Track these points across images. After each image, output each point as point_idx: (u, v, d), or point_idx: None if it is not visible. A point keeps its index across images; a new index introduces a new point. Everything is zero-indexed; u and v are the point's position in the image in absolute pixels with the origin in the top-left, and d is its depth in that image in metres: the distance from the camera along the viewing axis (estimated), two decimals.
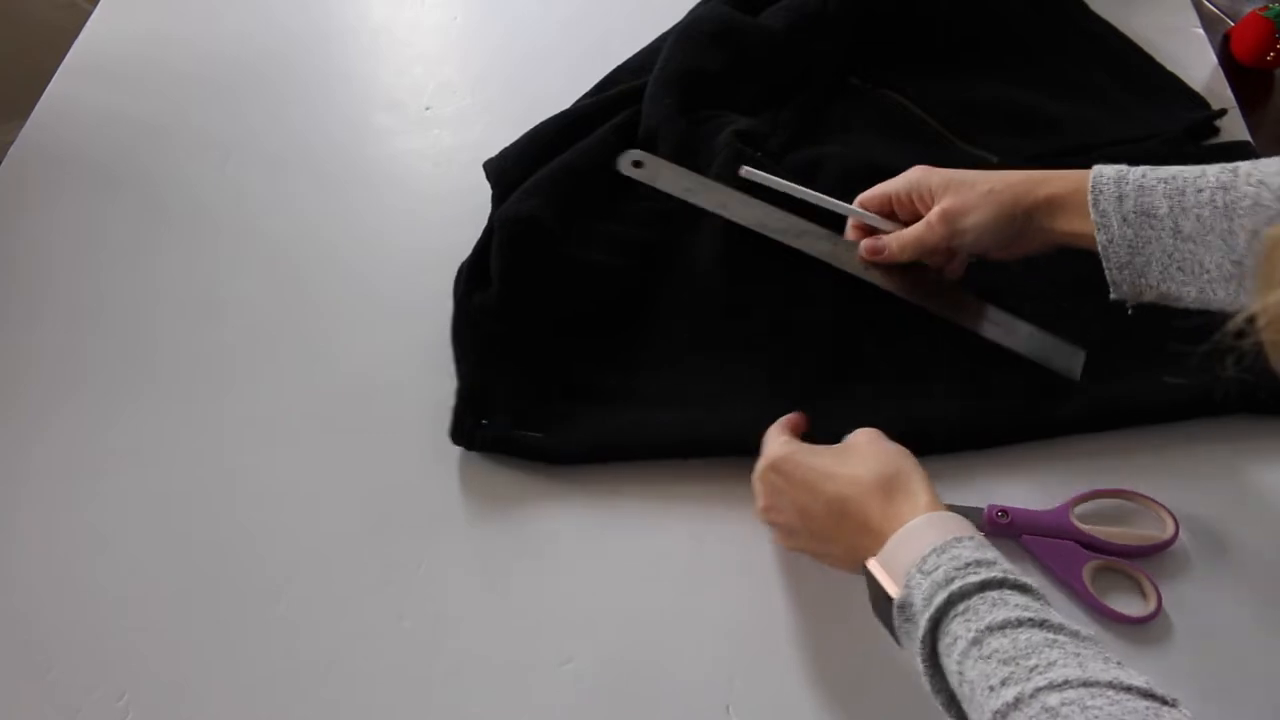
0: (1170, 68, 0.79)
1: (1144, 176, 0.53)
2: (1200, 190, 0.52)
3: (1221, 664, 0.53)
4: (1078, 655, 0.41)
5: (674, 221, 0.70)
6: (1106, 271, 0.54)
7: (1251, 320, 0.33)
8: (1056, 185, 0.56)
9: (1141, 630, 0.54)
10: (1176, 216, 0.52)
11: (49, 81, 0.85)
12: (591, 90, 0.80)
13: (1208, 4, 0.89)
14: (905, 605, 0.45)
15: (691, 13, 0.82)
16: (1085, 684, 0.39)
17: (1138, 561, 0.56)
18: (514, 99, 0.81)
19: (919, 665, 0.44)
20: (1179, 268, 0.52)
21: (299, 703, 0.54)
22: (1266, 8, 0.83)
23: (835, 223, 0.67)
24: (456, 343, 0.66)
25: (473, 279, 0.68)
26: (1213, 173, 0.52)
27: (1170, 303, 0.54)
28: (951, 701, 0.44)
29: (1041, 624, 0.42)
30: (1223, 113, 0.75)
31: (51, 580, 0.59)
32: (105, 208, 0.76)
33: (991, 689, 0.40)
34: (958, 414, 0.62)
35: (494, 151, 0.74)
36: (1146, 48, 0.80)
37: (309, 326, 0.69)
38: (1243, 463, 0.60)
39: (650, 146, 0.73)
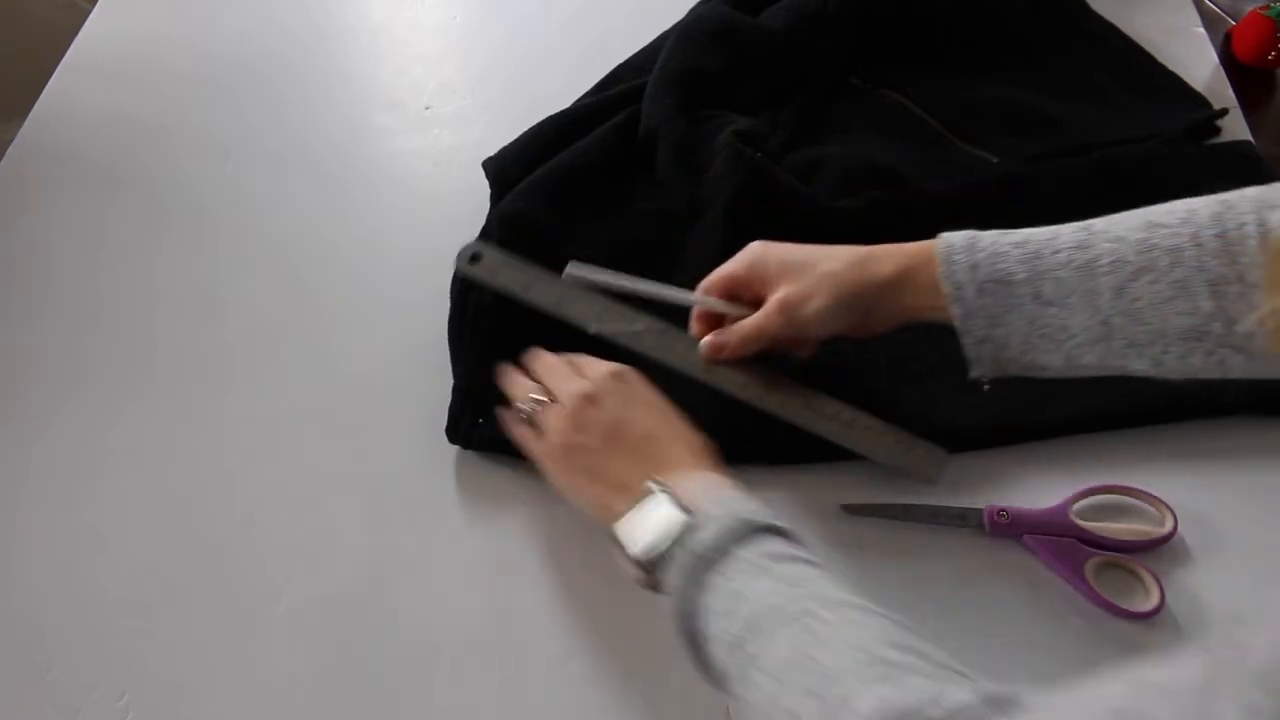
0: (1171, 67, 0.79)
1: (994, 243, 0.51)
2: (1056, 252, 0.49)
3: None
4: (853, 588, 0.43)
5: (672, 221, 0.70)
6: (964, 348, 0.52)
7: (1262, 321, 0.33)
8: (901, 259, 0.54)
9: (1147, 625, 0.54)
10: (1035, 282, 0.50)
11: (48, 81, 0.85)
12: (592, 90, 0.80)
13: (1209, 3, 0.89)
14: (692, 525, 0.46)
15: (692, 12, 0.82)
16: (860, 607, 0.41)
17: (1139, 556, 0.56)
18: (514, 99, 0.81)
19: (675, 579, 0.45)
20: (1042, 335, 0.50)
21: (299, 703, 0.54)
22: (1268, 7, 0.83)
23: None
24: (453, 342, 0.66)
25: (467, 283, 0.68)
26: (1067, 233, 0.50)
27: (1035, 374, 0.52)
28: (688, 628, 0.45)
29: (821, 568, 0.44)
30: (1224, 112, 0.75)
31: (51, 580, 0.59)
32: (105, 207, 0.76)
33: (770, 605, 0.42)
34: (956, 414, 0.62)
35: (494, 151, 0.75)
36: (1147, 47, 0.80)
37: (308, 326, 0.69)
38: (1238, 455, 0.60)
39: (650, 146, 0.73)
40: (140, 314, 0.70)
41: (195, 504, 0.61)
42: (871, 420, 0.59)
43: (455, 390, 0.63)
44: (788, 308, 0.55)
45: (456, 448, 0.62)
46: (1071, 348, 0.50)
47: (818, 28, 0.79)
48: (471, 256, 0.65)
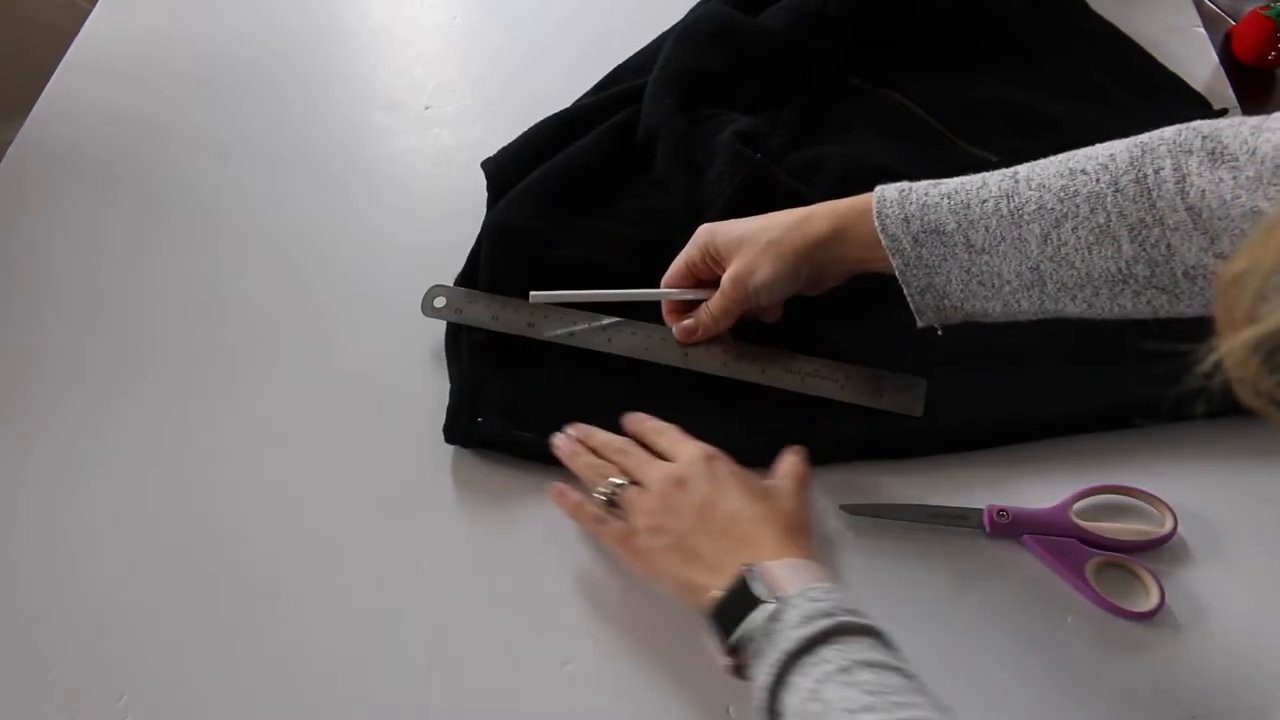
0: (1171, 67, 0.79)
1: (926, 194, 0.53)
2: (984, 201, 0.51)
3: (1226, 656, 0.53)
4: (940, 706, 0.41)
5: (672, 222, 0.70)
6: (909, 299, 0.54)
7: (1219, 362, 0.33)
8: (836, 216, 0.56)
9: (1146, 625, 0.54)
10: (966, 230, 0.51)
11: (48, 80, 0.85)
12: (591, 90, 0.80)
13: (1209, 3, 0.89)
14: (779, 614, 0.45)
15: (691, 12, 0.82)
16: None
17: (1139, 556, 0.56)
18: (514, 99, 0.81)
19: (762, 676, 0.44)
20: (979, 283, 0.52)
21: (299, 703, 0.54)
22: (1268, 7, 0.83)
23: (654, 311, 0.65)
24: (450, 343, 0.66)
25: (468, 285, 0.68)
26: (994, 181, 0.52)
27: (979, 319, 0.54)
28: None
29: (911, 678, 0.43)
30: (1224, 112, 0.75)
31: (51, 580, 0.59)
32: (105, 207, 0.76)
33: (850, 711, 0.40)
34: (956, 414, 0.62)
35: (494, 151, 0.74)
36: (1147, 47, 0.80)
37: (308, 326, 0.69)
38: (1238, 455, 0.60)
39: (650, 146, 0.73)
40: (141, 313, 0.70)
41: (195, 504, 0.61)
42: (849, 367, 0.62)
43: (453, 391, 0.63)
44: (739, 282, 0.58)
45: (455, 448, 0.62)
46: (1008, 294, 0.52)
47: (818, 28, 0.79)
48: (434, 300, 0.66)
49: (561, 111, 0.77)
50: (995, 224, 0.51)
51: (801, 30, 0.78)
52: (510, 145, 0.75)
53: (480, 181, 0.73)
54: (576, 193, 0.71)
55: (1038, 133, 0.76)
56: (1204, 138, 0.47)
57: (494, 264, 0.67)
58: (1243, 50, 0.85)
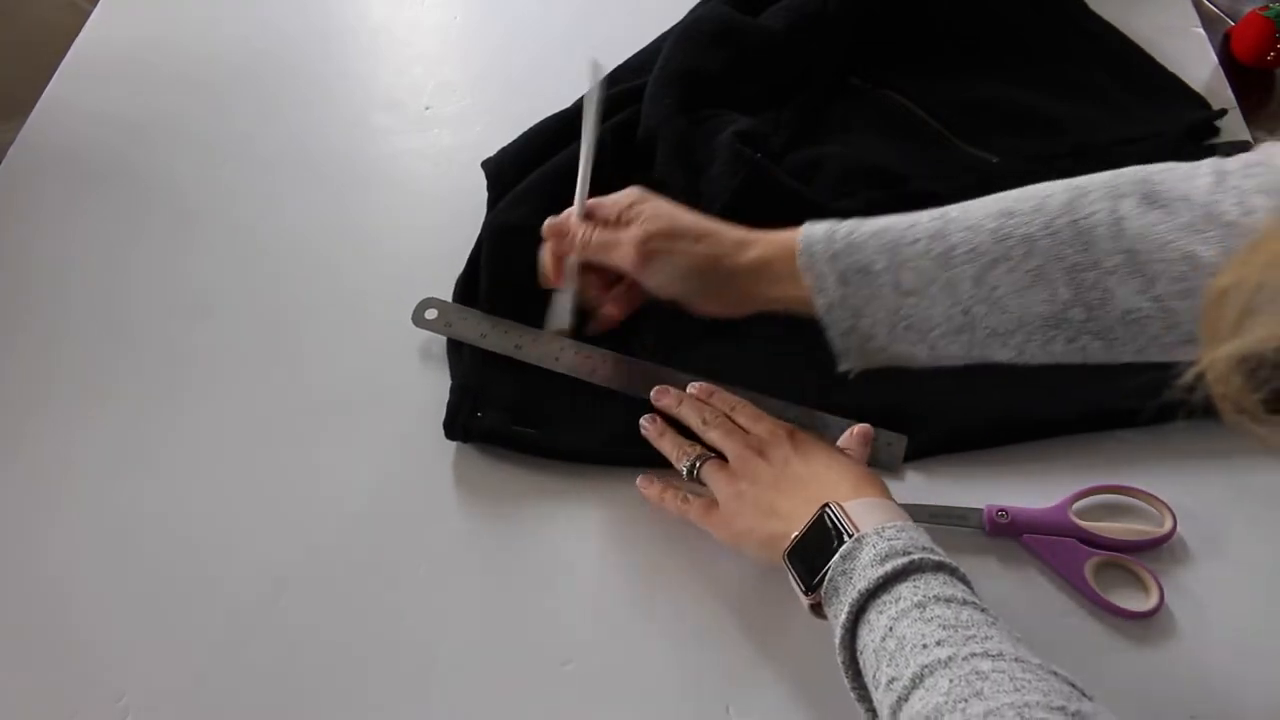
0: (1170, 67, 0.79)
1: (852, 233, 0.51)
2: (914, 241, 0.49)
3: (1225, 655, 0.53)
4: (1013, 638, 0.42)
5: None
6: (831, 340, 0.52)
7: (1201, 375, 0.33)
8: (762, 249, 0.54)
9: (1145, 624, 0.54)
10: (895, 271, 0.49)
11: (49, 81, 0.85)
12: None
13: (1208, 3, 0.89)
14: (854, 553, 0.46)
15: (691, 13, 0.82)
16: (1018, 660, 0.40)
17: (1138, 556, 0.56)
18: (514, 99, 0.81)
19: (840, 614, 0.45)
20: (906, 326, 0.50)
21: (299, 703, 0.54)
22: (1267, 7, 0.83)
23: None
24: (452, 342, 0.66)
25: (468, 288, 0.68)
26: (924, 220, 0.50)
27: (902, 364, 0.52)
28: (852, 661, 0.45)
29: (984, 610, 0.44)
30: (1223, 113, 0.75)
31: (51, 580, 0.59)
32: (105, 208, 0.76)
33: (924, 646, 0.41)
34: (956, 414, 0.62)
35: (494, 151, 0.75)
36: (1147, 47, 0.80)
37: (308, 325, 0.69)
38: (1238, 455, 0.60)
39: (650, 146, 0.73)
40: (140, 313, 0.70)
41: (194, 504, 0.61)
42: (830, 418, 0.61)
43: (453, 389, 0.63)
44: (648, 247, 0.56)
45: (455, 447, 0.62)
46: (935, 338, 0.50)
47: (818, 28, 0.79)
48: (425, 313, 0.66)
49: (561, 111, 0.77)
50: (925, 265, 0.49)
51: (801, 30, 0.78)
52: (510, 145, 0.75)
53: (480, 182, 0.73)
54: (573, 194, 0.71)
55: (1038, 133, 0.76)
56: (1137, 182, 0.47)
57: (494, 264, 0.67)
58: (1242, 50, 0.85)
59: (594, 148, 0.58)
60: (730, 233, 0.56)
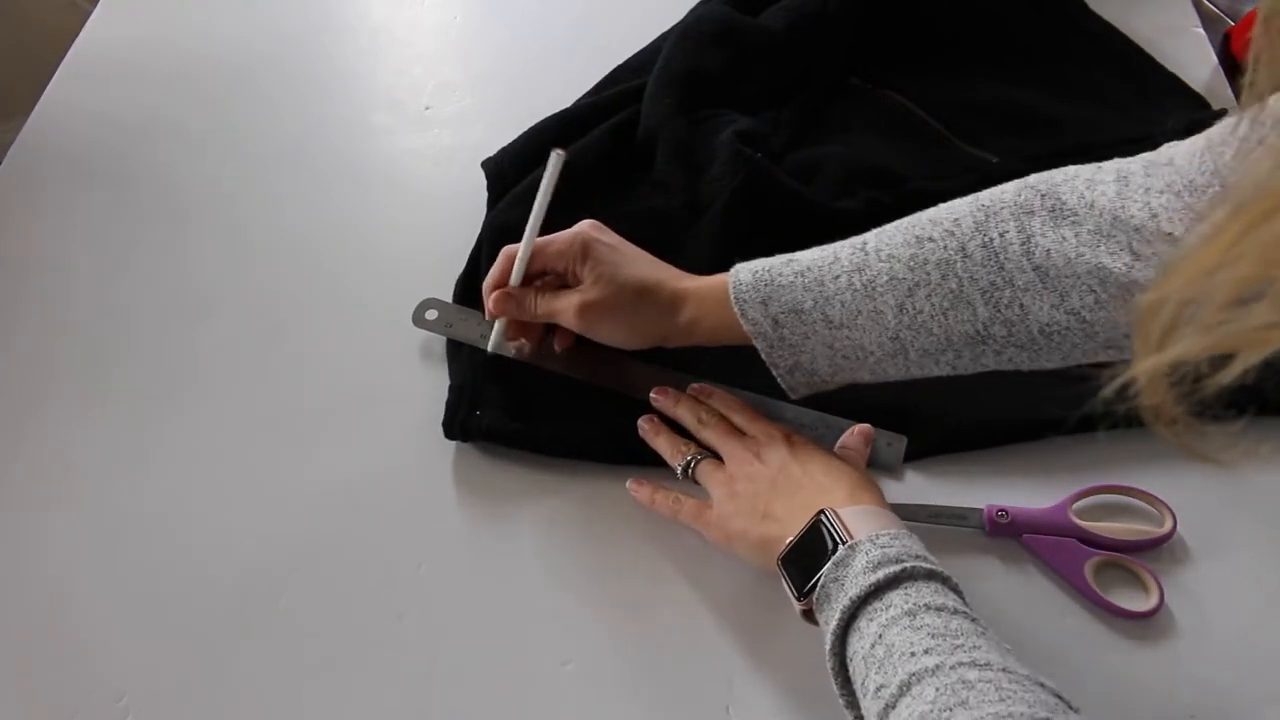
0: (1170, 67, 0.79)
1: (778, 274, 0.53)
2: (837, 277, 0.51)
3: (1224, 655, 0.53)
4: (1001, 649, 0.43)
5: (671, 220, 0.70)
6: (778, 378, 0.55)
7: (1127, 385, 0.34)
8: (696, 306, 0.56)
9: (1145, 624, 0.54)
10: (823, 307, 0.52)
11: (49, 81, 0.85)
12: (592, 90, 0.80)
13: (1208, 3, 0.89)
14: (846, 559, 0.47)
15: (692, 12, 0.82)
16: (1005, 670, 0.41)
17: (1138, 556, 0.56)
18: (514, 99, 0.81)
19: (831, 621, 0.46)
20: (843, 356, 0.52)
21: (299, 703, 0.54)
22: None
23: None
24: (451, 341, 0.66)
25: (468, 290, 0.68)
26: (844, 255, 0.52)
27: (853, 382, 0.55)
28: (842, 668, 0.45)
29: (974, 620, 0.44)
30: (1223, 112, 0.75)
31: (51, 580, 0.59)
32: (105, 208, 0.76)
33: (913, 654, 0.42)
34: (955, 414, 0.62)
35: (494, 151, 0.75)
36: (1146, 47, 0.80)
37: (309, 326, 0.69)
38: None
39: (650, 146, 0.73)
40: (141, 313, 0.70)
41: (194, 503, 0.61)
42: (831, 419, 0.60)
43: (452, 388, 0.63)
44: (588, 316, 0.57)
45: (455, 447, 0.62)
46: (873, 364, 0.52)
47: (818, 28, 0.79)
48: (425, 313, 0.67)
49: (562, 111, 0.77)
50: (850, 298, 0.51)
51: (801, 30, 0.78)
52: (510, 145, 0.75)
53: (480, 182, 0.73)
54: (575, 193, 0.71)
55: (1038, 133, 0.76)
56: (1043, 196, 0.48)
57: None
58: (1242, 50, 0.85)
59: (540, 222, 0.59)
60: (666, 287, 0.57)
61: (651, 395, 0.61)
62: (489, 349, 0.64)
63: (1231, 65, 0.84)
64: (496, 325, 0.63)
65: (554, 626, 0.56)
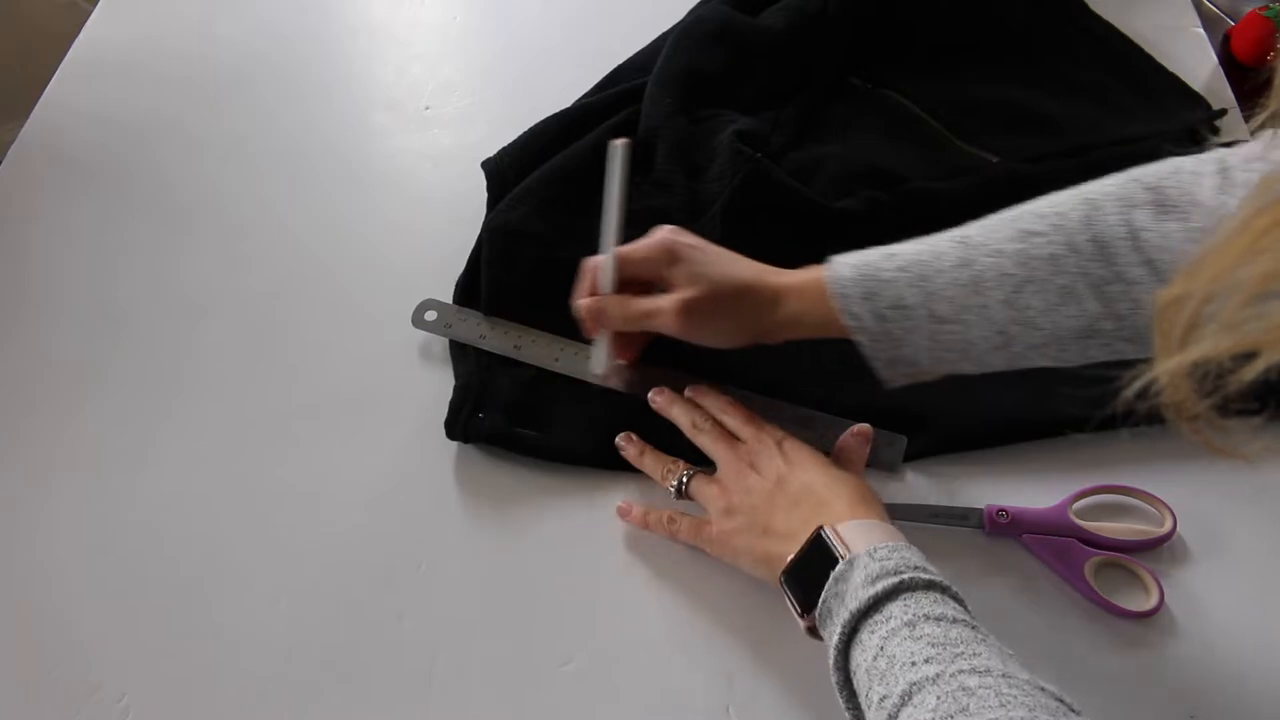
0: (1171, 67, 0.79)
1: (880, 270, 0.52)
2: (941, 271, 0.51)
3: (1225, 655, 0.53)
4: (1002, 654, 0.43)
5: (671, 220, 0.70)
6: (876, 369, 0.53)
7: (1149, 384, 0.33)
8: (797, 301, 0.54)
9: (1145, 624, 0.54)
10: (929, 303, 0.51)
11: (49, 81, 0.85)
12: (592, 90, 0.80)
13: (1208, 3, 0.89)
14: (845, 574, 0.47)
15: (692, 12, 0.82)
16: (1005, 675, 0.41)
17: (1138, 556, 0.56)
18: (514, 99, 0.81)
19: (833, 636, 0.46)
20: (946, 349, 0.52)
21: (299, 703, 0.54)
22: (1267, 7, 0.83)
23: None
24: (456, 348, 0.66)
25: (468, 290, 0.68)
26: (947, 249, 0.51)
27: (955, 373, 0.54)
28: (847, 682, 0.46)
29: (974, 628, 0.44)
30: (1223, 112, 0.75)
31: (51, 580, 0.59)
32: (105, 208, 0.76)
33: (913, 664, 0.42)
34: (956, 414, 0.62)
35: (494, 152, 0.75)
36: (1147, 47, 0.80)
37: (308, 325, 0.69)
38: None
39: (650, 146, 0.73)
40: (141, 313, 0.70)
41: (195, 504, 0.61)
42: (830, 419, 0.60)
43: (456, 388, 0.63)
44: (690, 315, 0.55)
45: (456, 447, 0.62)
46: (977, 356, 0.52)
47: (818, 28, 0.79)
48: (425, 314, 0.67)
49: (561, 111, 0.77)
50: (956, 293, 0.50)
51: (801, 30, 0.78)
52: (510, 146, 0.75)
53: (480, 182, 0.73)
54: (576, 193, 0.71)
55: (1038, 133, 0.76)
56: (1146, 188, 0.48)
57: (494, 266, 0.67)
58: (1242, 50, 0.85)
59: (621, 223, 0.56)
60: (764, 283, 0.56)
61: (649, 396, 0.61)
62: (598, 372, 0.61)
63: (1231, 65, 0.84)
64: (598, 345, 0.60)
65: (554, 626, 0.56)
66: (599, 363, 0.60)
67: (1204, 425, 0.34)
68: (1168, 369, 0.33)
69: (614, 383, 0.62)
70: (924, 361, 0.53)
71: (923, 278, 0.51)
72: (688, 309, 0.55)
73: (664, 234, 0.58)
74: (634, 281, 0.58)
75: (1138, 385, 0.34)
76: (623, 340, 0.61)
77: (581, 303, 0.59)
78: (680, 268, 0.56)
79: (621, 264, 0.57)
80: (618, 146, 0.54)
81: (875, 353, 0.53)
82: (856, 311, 0.52)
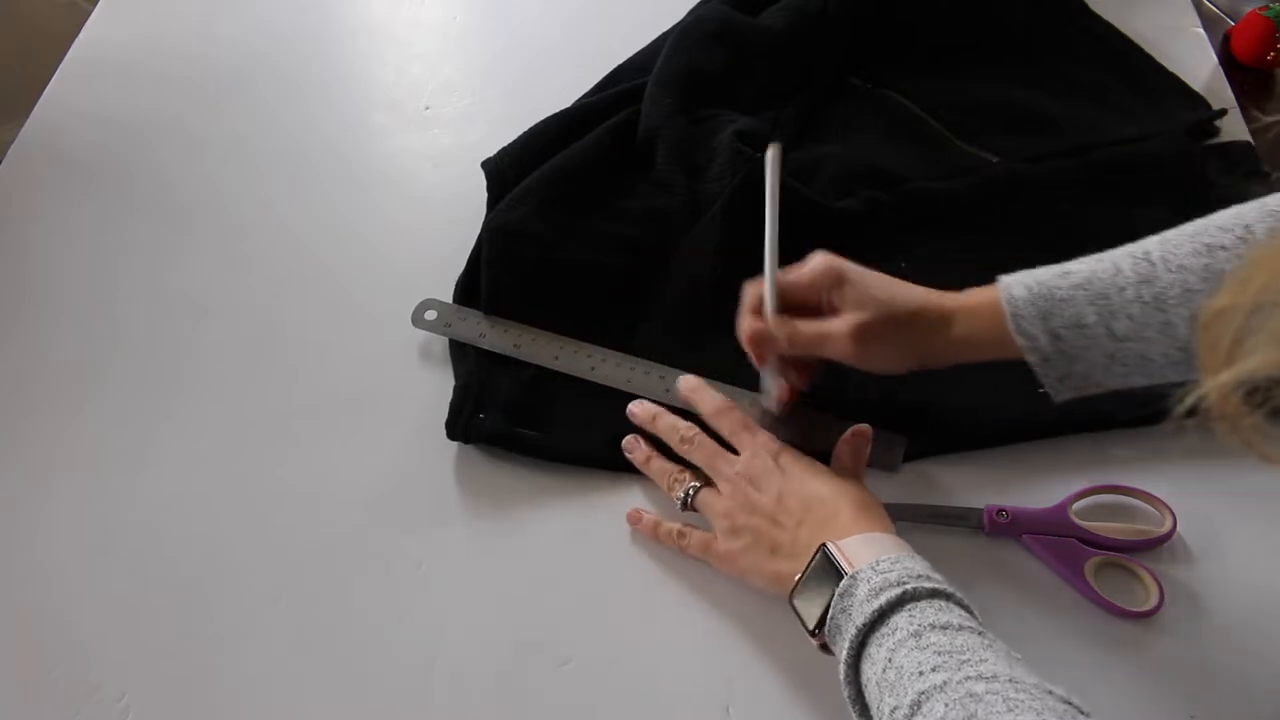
0: (1171, 67, 0.79)
1: (1055, 287, 0.51)
2: (1122, 289, 0.50)
3: (1225, 655, 0.53)
4: (1009, 659, 0.43)
5: (671, 220, 0.70)
6: (1045, 385, 0.53)
7: (1199, 401, 0.33)
8: (967, 322, 0.53)
9: (1145, 624, 0.54)
10: (1108, 321, 0.50)
11: (49, 81, 0.85)
12: (592, 90, 0.80)
13: (1208, 3, 0.89)
14: (850, 590, 0.47)
15: (692, 12, 0.82)
16: (1012, 680, 0.41)
17: (1138, 555, 0.56)
18: (514, 99, 0.81)
19: (842, 651, 0.46)
20: (1122, 364, 0.51)
21: (299, 703, 0.54)
22: (1267, 7, 0.83)
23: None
24: (456, 343, 0.66)
25: (467, 290, 0.68)
26: (1126, 266, 0.50)
27: (1126, 387, 0.52)
28: (859, 696, 0.45)
29: (980, 634, 0.44)
30: (1223, 112, 0.75)
31: (51, 580, 0.59)
32: (104, 208, 0.76)
33: (921, 673, 0.42)
34: (956, 414, 0.62)
35: (494, 152, 0.74)
36: (1147, 47, 0.80)
37: (308, 325, 0.69)
38: (1238, 455, 0.59)
39: (650, 146, 0.73)
40: (141, 313, 0.70)
41: (195, 504, 0.61)
42: (830, 418, 0.60)
43: (457, 388, 0.63)
44: (863, 339, 0.54)
45: (456, 447, 0.62)
46: (1155, 370, 0.50)
47: (818, 28, 0.79)
48: (425, 314, 0.67)
49: (561, 111, 0.77)
50: (1138, 311, 0.49)
51: (801, 30, 0.78)
52: (510, 146, 0.75)
53: (480, 182, 0.73)
54: (577, 193, 0.71)
55: (1038, 133, 0.76)
56: None
57: (494, 266, 0.67)
58: (1242, 50, 0.85)
59: (777, 241, 0.54)
60: (933, 305, 0.55)
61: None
62: (771, 409, 0.59)
63: (1232, 65, 0.84)
64: (766, 375, 0.58)
65: (554, 626, 0.56)
66: (774, 397, 0.58)
67: (1256, 437, 0.33)
68: (1217, 384, 0.33)
69: (782, 430, 0.58)
70: (1097, 376, 0.52)
71: (1103, 295, 0.50)
72: (861, 333, 0.54)
73: (826, 258, 0.56)
74: (793, 307, 0.56)
75: (1188, 402, 0.33)
76: (793, 366, 0.59)
77: (744, 329, 0.57)
78: (848, 290, 0.54)
79: (784, 288, 0.56)
80: (775, 149, 0.52)
81: (1046, 370, 0.52)
82: (1031, 332, 0.51)
